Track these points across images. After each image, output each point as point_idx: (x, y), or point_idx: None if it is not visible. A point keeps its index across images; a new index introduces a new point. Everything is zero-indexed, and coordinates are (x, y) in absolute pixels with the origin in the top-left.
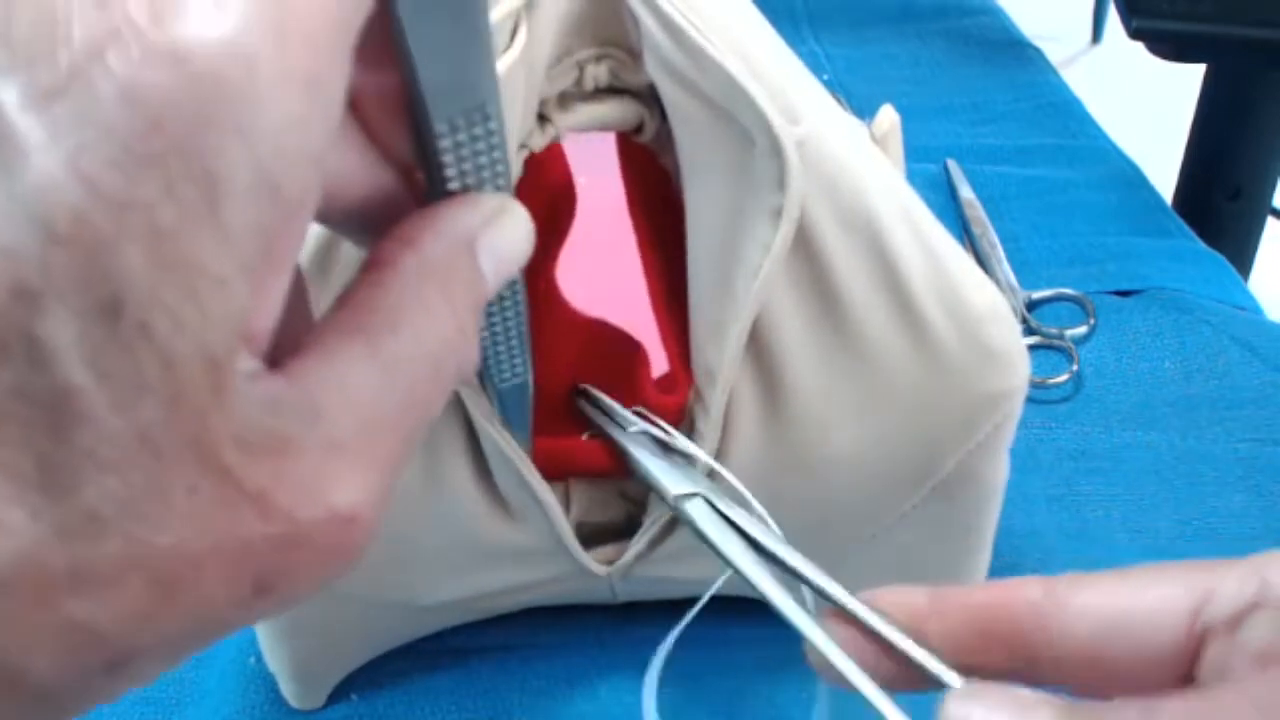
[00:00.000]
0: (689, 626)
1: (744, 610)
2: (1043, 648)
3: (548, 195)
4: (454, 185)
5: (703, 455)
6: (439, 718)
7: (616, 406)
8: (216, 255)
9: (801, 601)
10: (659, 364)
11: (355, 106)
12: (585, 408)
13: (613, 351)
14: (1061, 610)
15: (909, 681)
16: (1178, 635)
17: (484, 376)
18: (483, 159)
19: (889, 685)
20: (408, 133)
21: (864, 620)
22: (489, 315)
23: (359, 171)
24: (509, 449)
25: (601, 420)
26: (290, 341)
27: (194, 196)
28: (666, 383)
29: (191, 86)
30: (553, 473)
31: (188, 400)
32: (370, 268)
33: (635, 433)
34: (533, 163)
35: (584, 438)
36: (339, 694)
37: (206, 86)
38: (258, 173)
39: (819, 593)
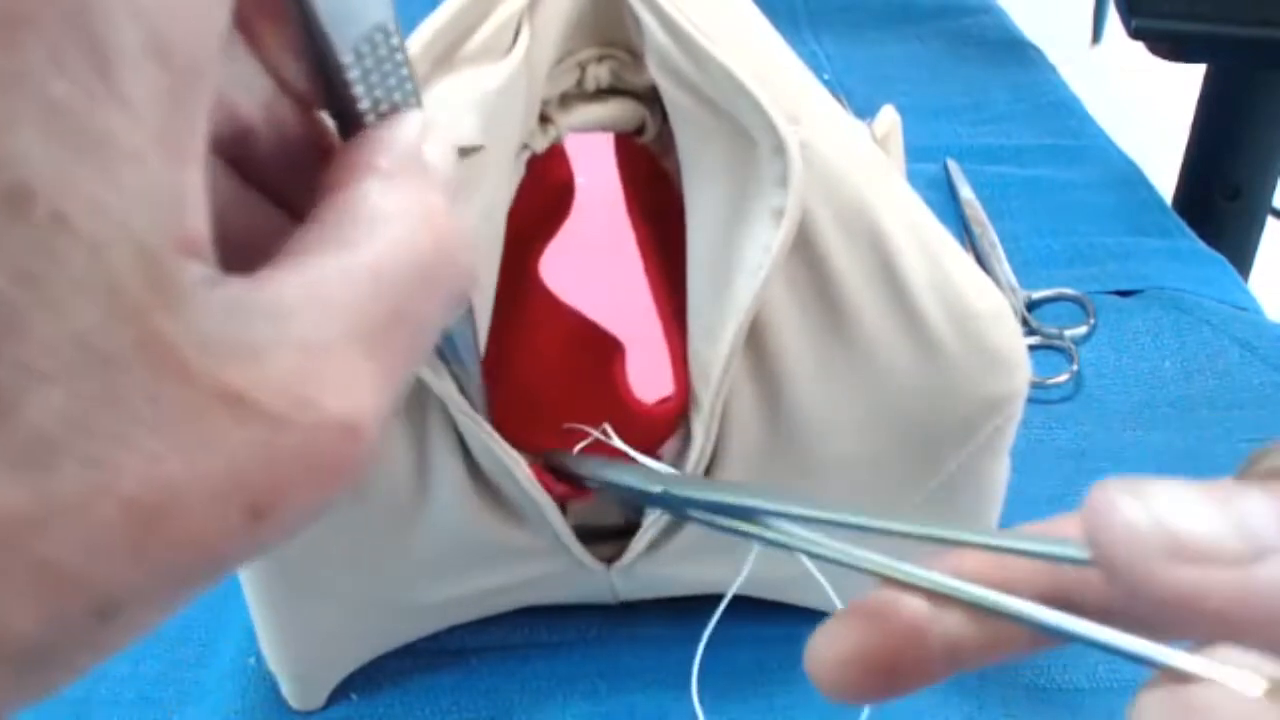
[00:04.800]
0: (688, 627)
1: (743, 611)
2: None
3: (545, 192)
4: (365, 107)
5: (659, 467)
6: (439, 718)
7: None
8: (124, 127)
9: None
10: (663, 381)
11: (251, 42)
12: (556, 463)
13: (593, 345)
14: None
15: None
16: None
17: None
18: (391, 80)
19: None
20: (308, 67)
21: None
22: None
23: (255, 98)
24: (505, 457)
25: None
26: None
27: (83, 65)
28: (671, 402)
29: None
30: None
31: (126, 295)
32: (329, 191)
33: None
34: (535, 162)
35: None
36: (339, 694)
37: None
38: (149, 36)
39: (805, 519)
